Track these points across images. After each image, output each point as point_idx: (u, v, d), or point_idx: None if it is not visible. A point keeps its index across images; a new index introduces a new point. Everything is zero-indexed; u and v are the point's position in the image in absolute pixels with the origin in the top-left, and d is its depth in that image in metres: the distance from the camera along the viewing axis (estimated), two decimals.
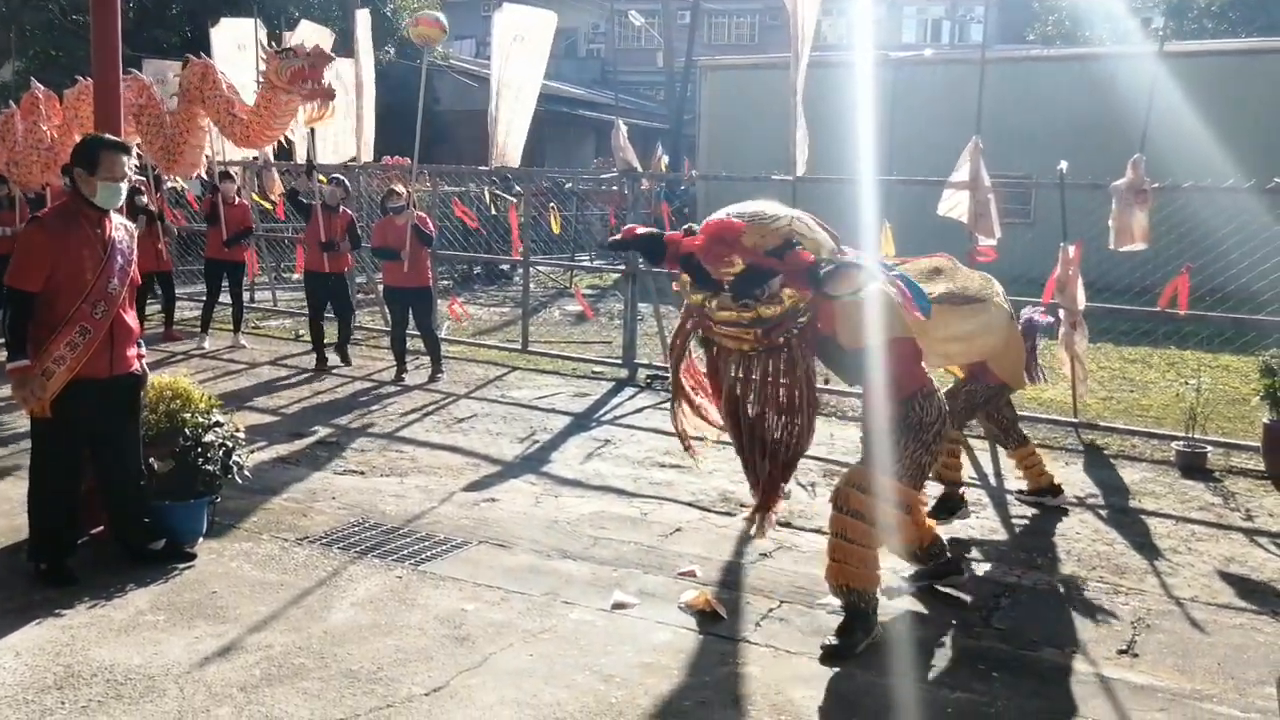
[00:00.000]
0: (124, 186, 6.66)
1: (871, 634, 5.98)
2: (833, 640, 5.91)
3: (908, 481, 6.00)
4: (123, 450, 6.83)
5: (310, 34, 15.23)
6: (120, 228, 6.72)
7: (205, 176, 15.81)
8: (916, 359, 6.20)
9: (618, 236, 6.16)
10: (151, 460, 7.12)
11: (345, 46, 15.76)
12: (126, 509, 6.93)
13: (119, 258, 6.60)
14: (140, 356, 6.87)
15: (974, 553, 7.54)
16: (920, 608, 6.55)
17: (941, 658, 5.89)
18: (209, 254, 15.42)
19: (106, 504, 6.97)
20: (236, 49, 15.84)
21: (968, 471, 9.09)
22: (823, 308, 5.74)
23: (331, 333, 13.94)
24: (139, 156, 15.98)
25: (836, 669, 5.71)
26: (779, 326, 5.64)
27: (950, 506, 8.10)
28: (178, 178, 15.88)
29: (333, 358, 13.67)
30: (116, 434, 6.78)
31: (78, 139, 8.51)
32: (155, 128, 13.85)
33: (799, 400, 5.90)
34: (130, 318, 6.78)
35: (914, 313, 5.87)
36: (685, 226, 5.97)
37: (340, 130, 15.78)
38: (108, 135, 6.84)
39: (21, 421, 10.05)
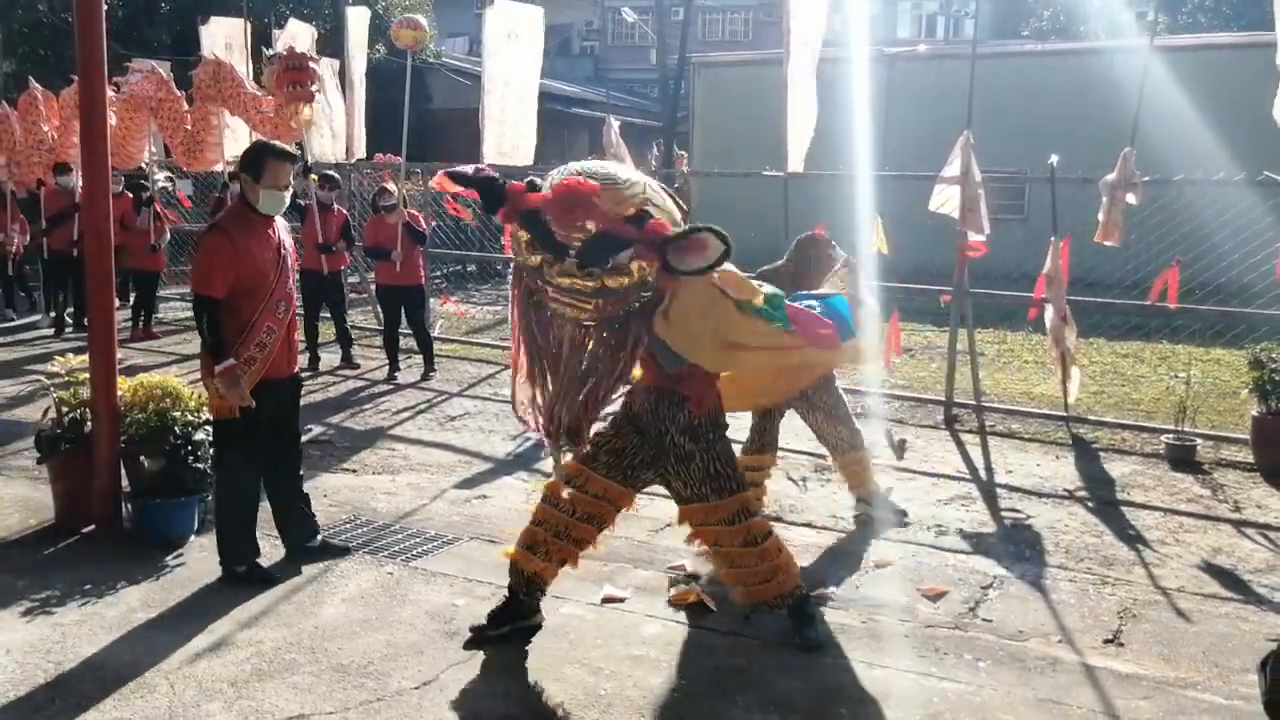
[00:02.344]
0: (287, 195, 6.68)
1: (816, 614, 6.11)
2: (802, 637, 5.95)
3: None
4: (290, 447, 6.97)
5: (296, 33, 15.28)
6: (284, 228, 6.83)
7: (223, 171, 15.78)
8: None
9: (457, 169, 5.50)
10: (141, 458, 7.16)
11: (335, 44, 15.78)
12: (291, 504, 7.03)
13: (289, 258, 6.76)
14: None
15: (964, 544, 7.58)
16: (906, 598, 6.58)
17: (928, 648, 5.92)
18: None
19: (271, 499, 7.00)
20: (225, 48, 15.85)
21: (958, 464, 9.15)
22: (669, 285, 5.31)
23: (325, 332, 13.96)
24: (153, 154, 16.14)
25: (825, 660, 5.75)
26: (621, 299, 5.20)
27: None
28: (170, 177, 15.92)
29: (331, 360, 13.67)
30: (286, 431, 6.90)
31: (75, 138, 8.52)
32: (176, 121, 13.93)
33: (622, 371, 5.54)
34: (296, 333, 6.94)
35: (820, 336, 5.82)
36: (527, 179, 5.30)
37: (334, 129, 15.78)
38: (275, 143, 6.89)
39: (20, 422, 10.11)
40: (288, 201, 6.69)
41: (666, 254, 5.10)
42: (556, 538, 5.91)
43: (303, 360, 13.01)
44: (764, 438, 7.77)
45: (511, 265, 5.65)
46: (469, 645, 5.83)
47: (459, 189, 5.44)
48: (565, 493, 5.91)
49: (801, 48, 11.93)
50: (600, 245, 5.05)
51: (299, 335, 6.95)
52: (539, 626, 6.05)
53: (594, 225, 5.03)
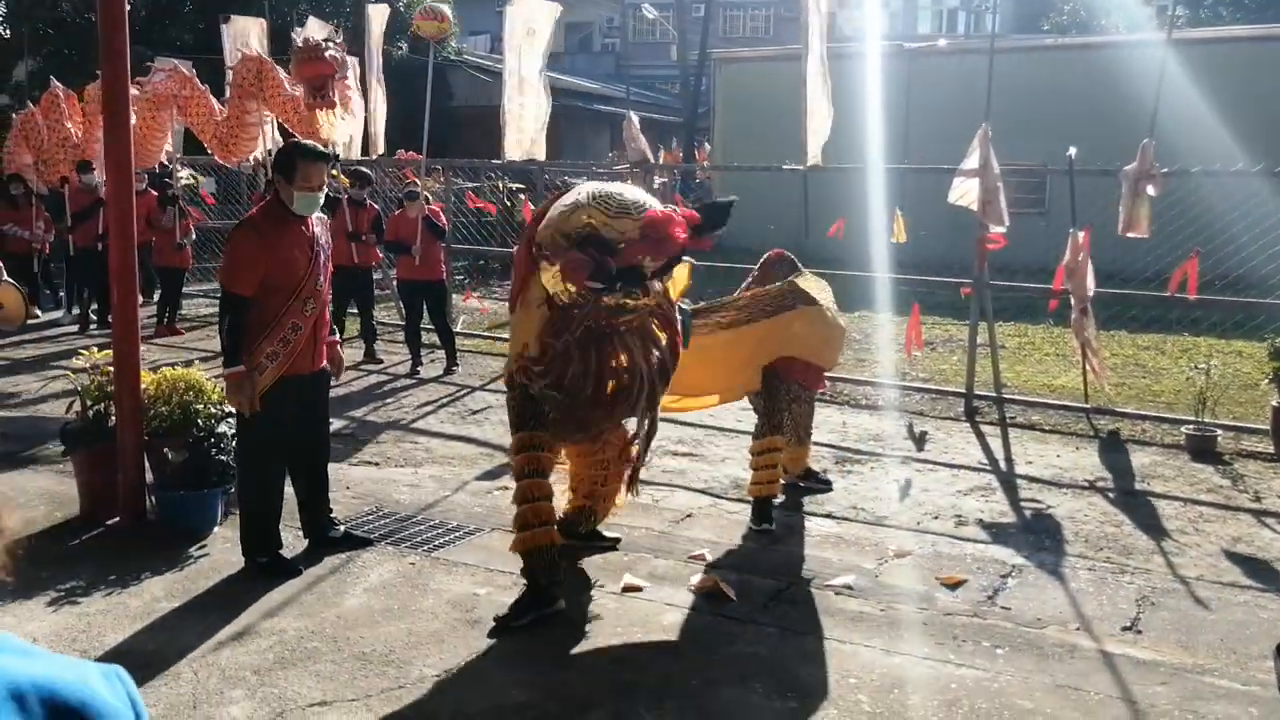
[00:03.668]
0: (321, 196, 6.67)
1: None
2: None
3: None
4: (315, 441, 7.00)
5: (314, 31, 15.34)
6: (320, 223, 6.82)
7: (260, 168, 15.82)
8: None
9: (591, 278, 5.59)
10: (165, 451, 7.23)
11: (356, 42, 15.83)
12: (314, 497, 7.08)
13: (323, 255, 6.72)
14: (335, 344, 7.11)
15: (983, 534, 7.60)
16: (925, 587, 6.61)
17: (946, 636, 5.94)
18: None
19: (297, 490, 7.06)
20: (246, 46, 15.92)
21: (978, 456, 9.19)
22: None
23: (351, 327, 14.03)
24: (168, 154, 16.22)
25: (844, 648, 5.78)
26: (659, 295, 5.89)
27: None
28: (193, 174, 16.00)
29: (354, 355, 13.73)
30: (314, 425, 6.94)
31: (100, 134, 8.56)
32: (206, 116, 14.01)
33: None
34: (326, 317, 6.93)
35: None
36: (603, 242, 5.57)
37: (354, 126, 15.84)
38: (307, 144, 6.85)
39: (46, 416, 10.20)
40: (321, 201, 6.69)
41: (701, 234, 5.74)
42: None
43: (355, 354, 13.16)
44: (777, 419, 7.79)
45: (554, 321, 5.88)
46: (493, 634, 5.87)
47: (596, 284, 5.64)
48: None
49: (817, 41, 11.96)
50: (674, 260, 5.73)
51: (327, 333, 6.93)
52: (560, 612, 6.11)
53: (679, 247, 5.64)
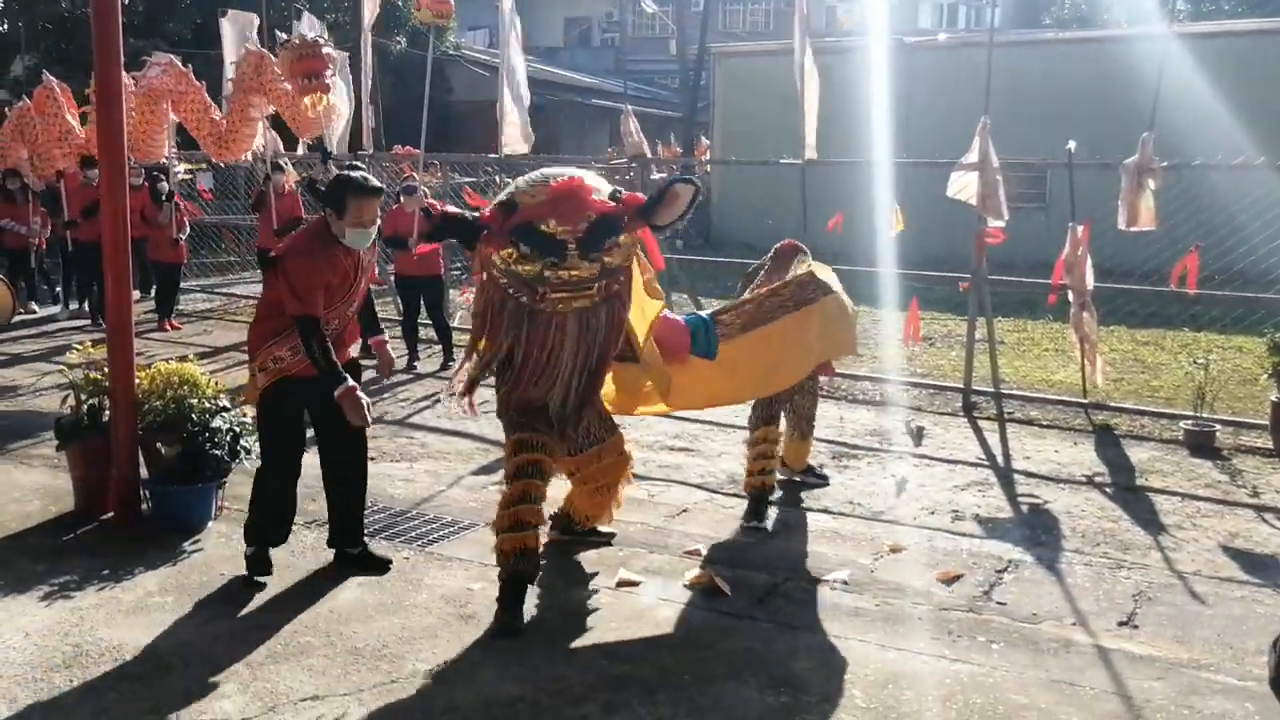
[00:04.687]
0: (374, 230, 6.35)
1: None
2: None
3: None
4: (337, 444, 6.66)
5: (306, 30, 15.32)
6: (369, 254, 6.59)
7: (259, 162, 15.77)
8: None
9: (428, 229, 5.91)
10: (159, 445, 7.20)
11: (353, 37, 15.81)
12: (338, 503, 6.79)
13: (363, 279, 6.54)
14: (382, 343, 7.00)
15: (979, 529, 7.58)
16: (921, 582, 6.59)
17: (942, 631, 5.92)
18: (260, 243, 15.32)
19: (327, 497, 6.85)
20: (243, 40, 15.87)
21: (976, 451, 9.17)
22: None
23: None
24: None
25: (839, 643, 5.76)
26: (617, 275, 5.86)
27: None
28: (190, 169, 15.94)
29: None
30: (335, 429, 6.54)
31: None
32: (201, 113, 13.94)
33: (619, 340, 6.19)
34: (354, 321, 6.73)
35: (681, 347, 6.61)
36: (498, 201, 5.92)
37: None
38: (358, 177, 6.32)
39: (40, 411, 10.20)
40: (374, 235, 6.40)
41: (650, 215, 5.79)
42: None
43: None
44: (773, 410, 7.73)
45: (486, 294, 5.99)
46: (497, 636, 5.83)
47: (433, 243, 5.74)
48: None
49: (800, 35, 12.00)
50: (600, 229, 5.66)
51: (354, 337, 6.78)
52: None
53: (592, 213, 5.63)
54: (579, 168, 6.05)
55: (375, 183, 6.34)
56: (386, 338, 7.10)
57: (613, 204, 5.71)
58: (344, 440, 6.62)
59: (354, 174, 6.37)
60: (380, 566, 6.73)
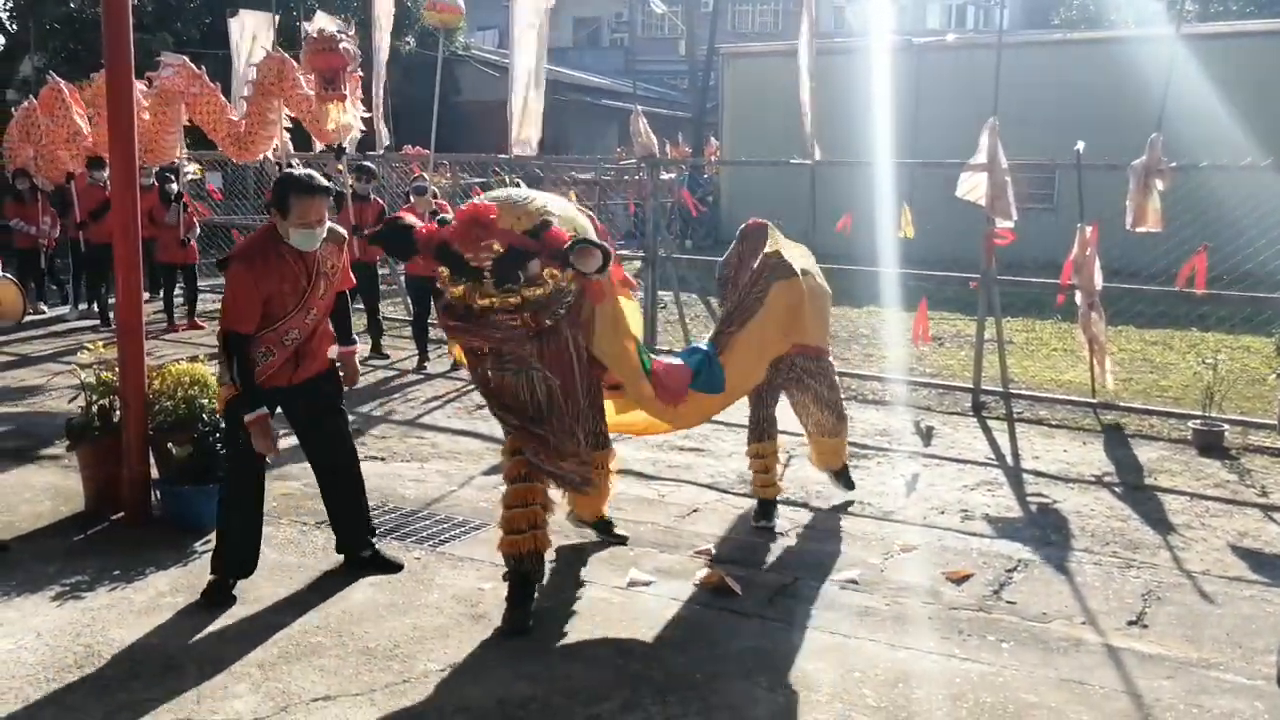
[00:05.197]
0: (321, 230, 6.14)
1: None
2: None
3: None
4: (324, 447, 6.66)
5: (326, 23, 15.34)
6: (330, 250, 6.34)
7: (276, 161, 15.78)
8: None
9: (372, 230, 5.78)
10: (170, 445, 7.23)
11: (364, 35, 15.81)
12: (338, 508, 6.76)
13: (323, 285, 6.30)
14: (350, 353, 6.94)
15: (989, 529, 7.59)
16: (931, 581, 6.60)
17: (951, 630, 5.93)
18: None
19: (324, 504, 6.85)
20: (253, 40, 15.91)
21: (985, 451, 9.16)
22: (591, 285, 5.83)
23: (357, 322, 14.00)
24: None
25: (849, 642, 5.77)
26: (545, 308, 5.59)
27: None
28: (200, 169, 15.95)
29: (360, 350, 13.69)
30: (314, 427, 6.58)
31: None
32: (217, 114, 13.96)
33: (579, 373, 5.99)
34: (325, 328, 6.57)
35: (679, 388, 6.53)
36: (438, 217, 5.97)
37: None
38: (301, 175, 6.20)
39: (51, 411, 10.23)
40: (322, 237, 6.18)
41: (570, 259, 5.50)
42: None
43: (362, 349, 13.16)
44: (762, 426, 7.69)
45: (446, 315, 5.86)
46: (506, 635, 5.85)
47: (379, 248, 5.71)
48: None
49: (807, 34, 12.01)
50: (508, 261, 5.47)
51: (324, 345, 6.61)
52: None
53: (498, 244, 5.46)
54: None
55: (321, 181, 6.18)
56: (356, 349, 7.03)
57: (527, 239, 5.49)
58: (329, 446, 6.65)
59: (297, 172, 6.34)
60: (392, 569, 6.71)
